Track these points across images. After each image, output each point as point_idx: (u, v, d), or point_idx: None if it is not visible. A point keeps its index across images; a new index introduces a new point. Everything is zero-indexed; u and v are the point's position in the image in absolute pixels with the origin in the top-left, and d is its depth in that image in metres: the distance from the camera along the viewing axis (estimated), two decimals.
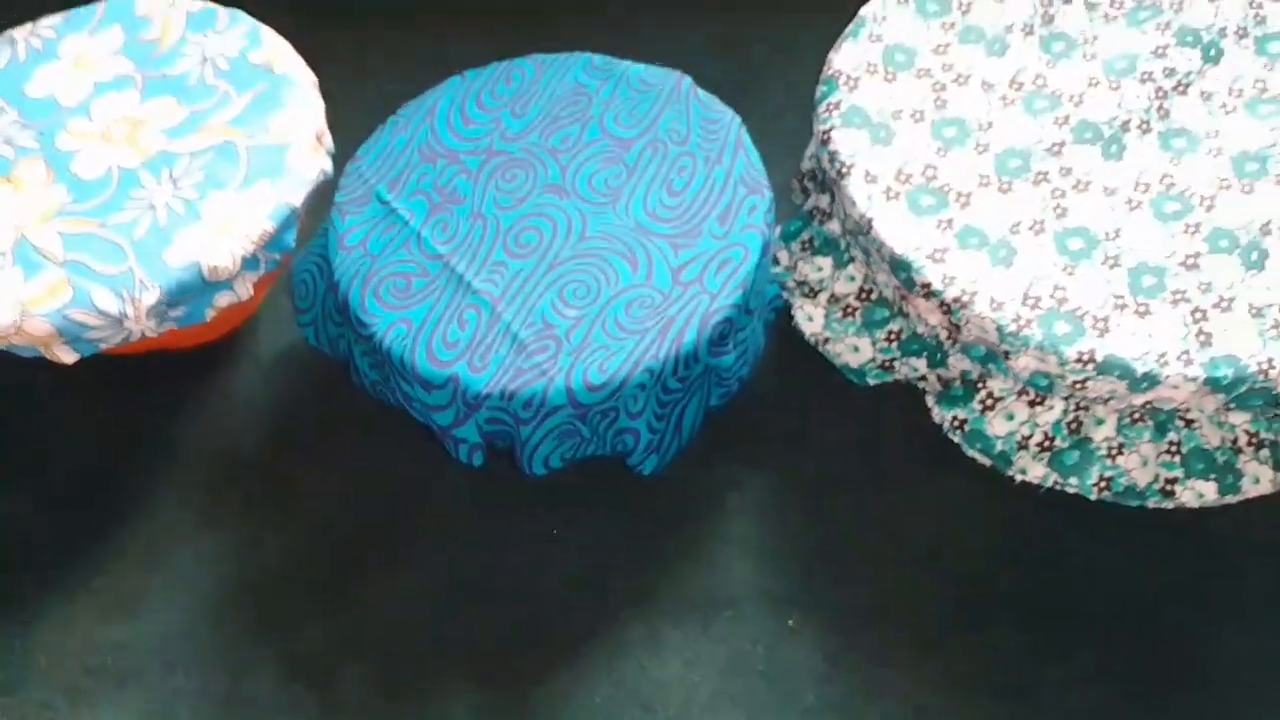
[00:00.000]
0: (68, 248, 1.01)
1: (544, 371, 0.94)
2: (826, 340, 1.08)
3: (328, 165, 1.11)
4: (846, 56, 1.08)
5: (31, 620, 1.06)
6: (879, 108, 1.05)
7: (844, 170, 1.01)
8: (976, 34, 1.10)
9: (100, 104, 1.11)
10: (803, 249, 1.12)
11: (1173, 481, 0.99)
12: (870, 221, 0.98)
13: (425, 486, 1.11)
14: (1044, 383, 0.94)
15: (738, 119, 1.09)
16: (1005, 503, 1.05)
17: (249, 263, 1.03)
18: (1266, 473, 0.99)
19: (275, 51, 1.14)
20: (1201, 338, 0.91)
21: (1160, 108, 1.05)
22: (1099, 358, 0.90)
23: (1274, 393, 0.91)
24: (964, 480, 1.06)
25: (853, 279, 1.09)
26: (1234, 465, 0.98)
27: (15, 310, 0.98)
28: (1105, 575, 1.04)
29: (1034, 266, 0.95)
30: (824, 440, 1.11)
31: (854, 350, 1.08)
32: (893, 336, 1.07)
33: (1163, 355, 0.90)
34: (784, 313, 1.12)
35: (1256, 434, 0.99)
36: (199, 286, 1.01)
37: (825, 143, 1.03)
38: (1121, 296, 0.93)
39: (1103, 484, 0.99)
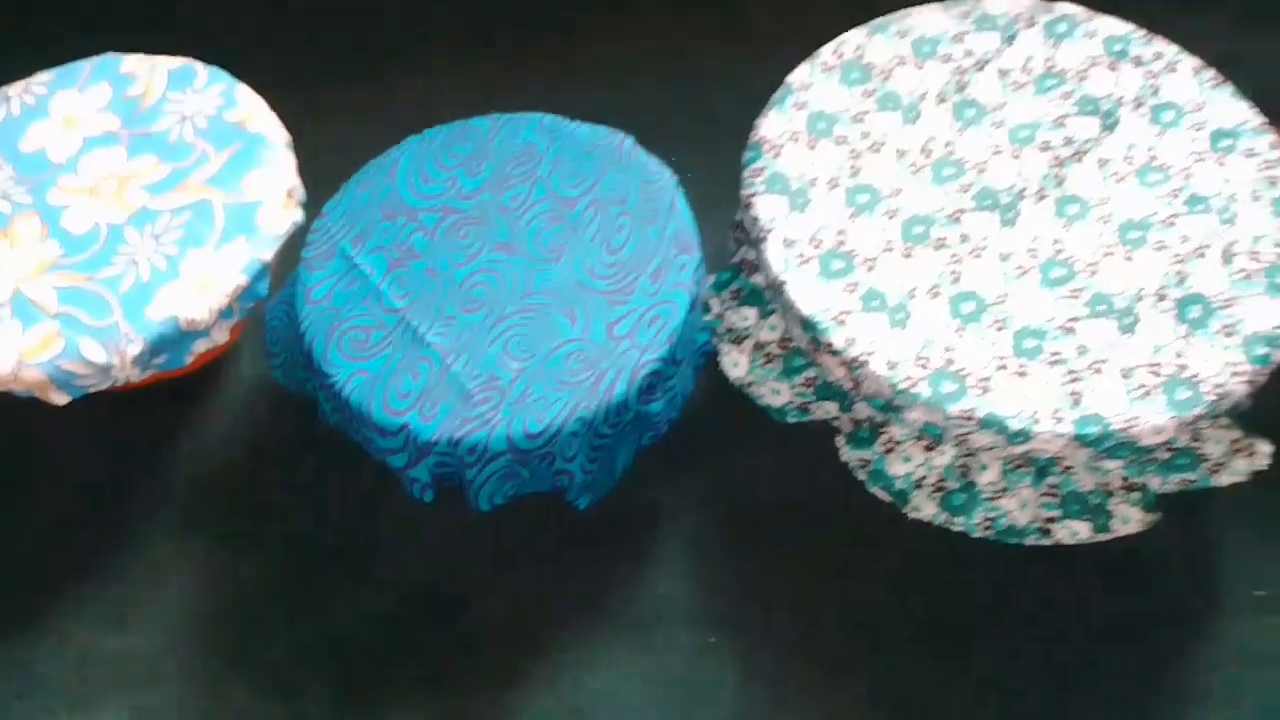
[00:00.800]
0: (60, 301, 1.12)
1: (487, 421, 1.05)
2: (750, 384, 1.19)
3: (299, 216, 1.21)
4: (772, 124, 1.18)
5: (33, 634, 1.18)
6: (799, 174, 1.14)
7: (763, 235, 1.11)
8: (894, 101, 1.19)
9: (88, 161, 1.21)
10: (732, 298, 1.22)
11: (1051, 521, 1.10)
12: (783, 284, 1.08)
13: (387, 511, 1.22)
14: (935, 431, 1.05)
15: (674, 179, 1.19)
16: (909, 532, 1.16)
17: (225, 313, 1.13)
18: (1136, 513, 1.10)
19: (250, 110, 1.23)
20: (1074, 397, 1.01)
21: (1057, 175, 1.15)
22: (979, 415, 1.00)
23: (1138, 446, 1.01)
24: (872, 511, 1.17)
25: (774, 328, 1.19)
26: (1105, 508, 1.09)
27: (14, 360, 1.09)
28: (1004, 599, 1.16)
29: (927, 329, 1.05)
30: (748, 472, 1.23)
31: (775, 393, 1.19)
32: (809, 382, 1.17)
33: (1035, 414, 1.00)
34: (714, 356, 1.23)
35: (1128, 479, 1.10)
36: (178, 337, 1.11)
37: (748, 207, 1.13)
38: (1004, 358, 1.03)
39: (986, 523, 1.10)
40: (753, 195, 1.14)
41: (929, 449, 1.12)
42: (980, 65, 1.21)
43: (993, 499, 1.11)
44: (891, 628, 1.15)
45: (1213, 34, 1.46)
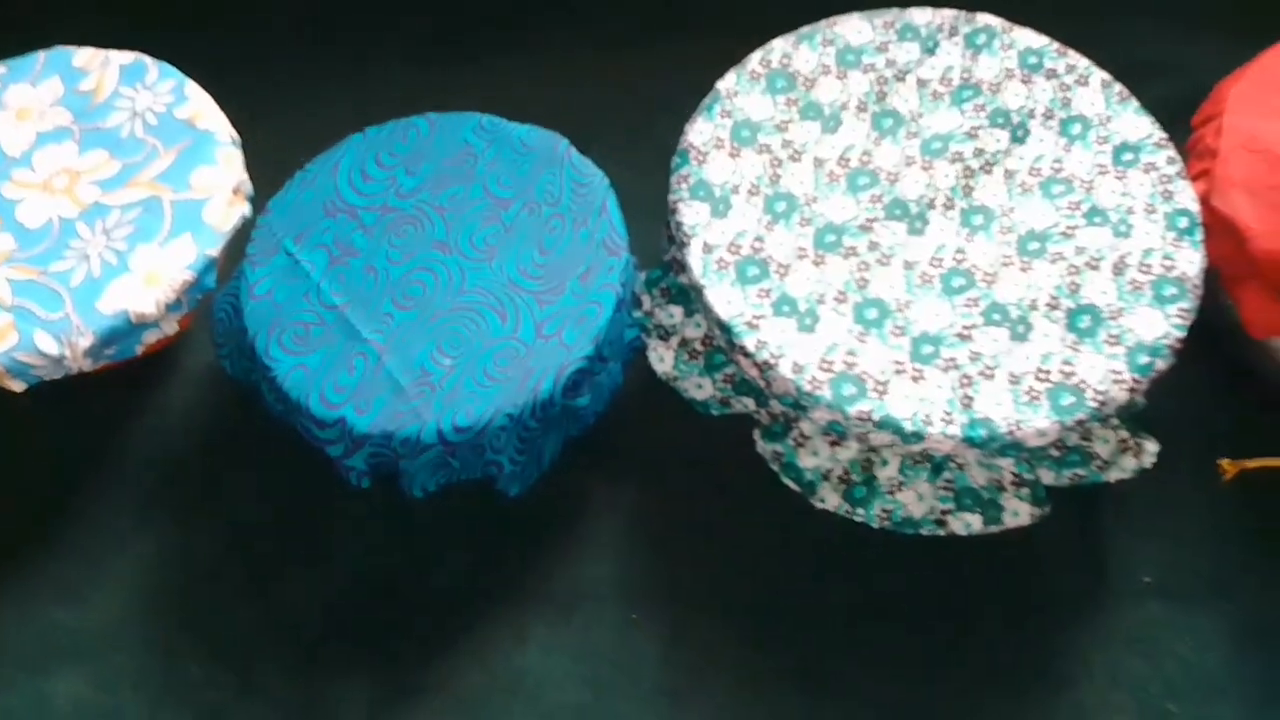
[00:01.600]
0: (15, 294, 1.17)
1: (419, 415, 1.11)
2: (676, 378, 1.26)
3: (246, 210, 1.26)
4: (699, 131, 1.23)
5: None
6: (722, 181, 1.20)
7: (685, 239, 1.17)
8: (816, 110, 1.25)
9: (41, 155, 1.25)
10: (662, 295, 1.28)
11: (946, 513, 1.18)
12: (703, 288, 1.14)
13: (333, 494, 1.29)
14: (839, 429, 1.12)
15: (606, 182, 1.24)
16: (822, 520, 1.24)
17: (173, 306, 1.19)
18: (1026, 507, 1.18)
19: (199, 107, 1.28)
20: (965, 401, 1.09)
21: (966, 186, 1.21)
22: (876, 417, 1.07)
23: (1024, 447, 1.09)
24: (790, 498, 1.24)
25: (699, 326, 1.26)
26: (997, 501, 1.17)
27: None
28: (913, 584, 1.24)
29: (833, 334, 1.12)
30: (674, 459, 1.30)
31: (699, 387, 1.25)
32: (729, 379, 1.24)
33: (928, 416, 1.07)
34: (643, 351, 1.29)
35: (1019, 475, 1.18)
36: (128, 330, 1.17)
37: (674, 212, 1.19)
38: (902, 363, 1.10)
39: (884, 514, 1.18)
40: (678, 201, 1.19)
41: (834, 444, 1.19)
42: (901, 75, 1.26)
43: (891, 492, 1.18)
44: (806, 607, 1.23)
45: (1140, 37, 1.53)
